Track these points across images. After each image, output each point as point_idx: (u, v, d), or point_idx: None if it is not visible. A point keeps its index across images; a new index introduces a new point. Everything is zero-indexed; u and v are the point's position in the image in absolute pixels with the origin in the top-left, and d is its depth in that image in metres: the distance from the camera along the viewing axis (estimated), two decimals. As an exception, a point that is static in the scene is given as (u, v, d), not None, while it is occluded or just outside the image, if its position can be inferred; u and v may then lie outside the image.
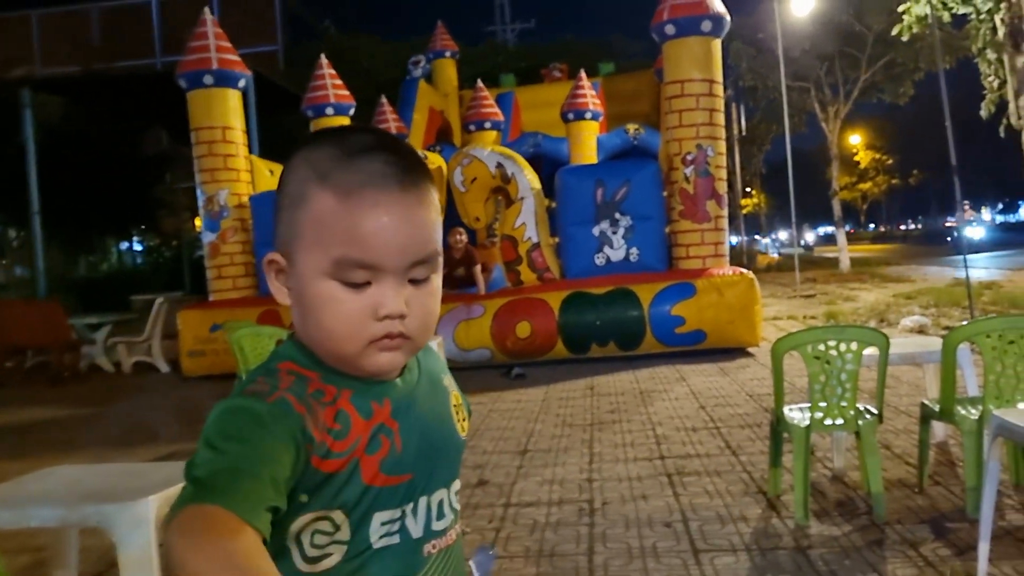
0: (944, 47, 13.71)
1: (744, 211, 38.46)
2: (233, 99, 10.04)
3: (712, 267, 8.75)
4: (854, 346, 3.50)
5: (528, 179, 9.13)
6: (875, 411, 3.61)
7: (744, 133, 28.84)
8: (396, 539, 0.93)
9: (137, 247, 23.42)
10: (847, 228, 24.30)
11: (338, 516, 0.89)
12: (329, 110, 12.09)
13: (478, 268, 9.36)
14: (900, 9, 12.70)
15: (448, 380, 1.08)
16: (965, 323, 3.66)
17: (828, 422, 3.58)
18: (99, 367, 10.40)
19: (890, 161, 54.08)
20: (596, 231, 8.93)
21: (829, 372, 3.53)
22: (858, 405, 3.59)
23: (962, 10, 11.74)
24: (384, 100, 13.84)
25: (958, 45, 15.87)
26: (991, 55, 11.96)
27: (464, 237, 9.62)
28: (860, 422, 3.54)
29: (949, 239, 27.94)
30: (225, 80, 9.87)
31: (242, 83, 10.15)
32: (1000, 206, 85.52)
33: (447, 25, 17.55)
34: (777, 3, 16.90)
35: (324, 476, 0.87)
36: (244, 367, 5.07)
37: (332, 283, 0.90)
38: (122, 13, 21.41)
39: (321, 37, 22.79)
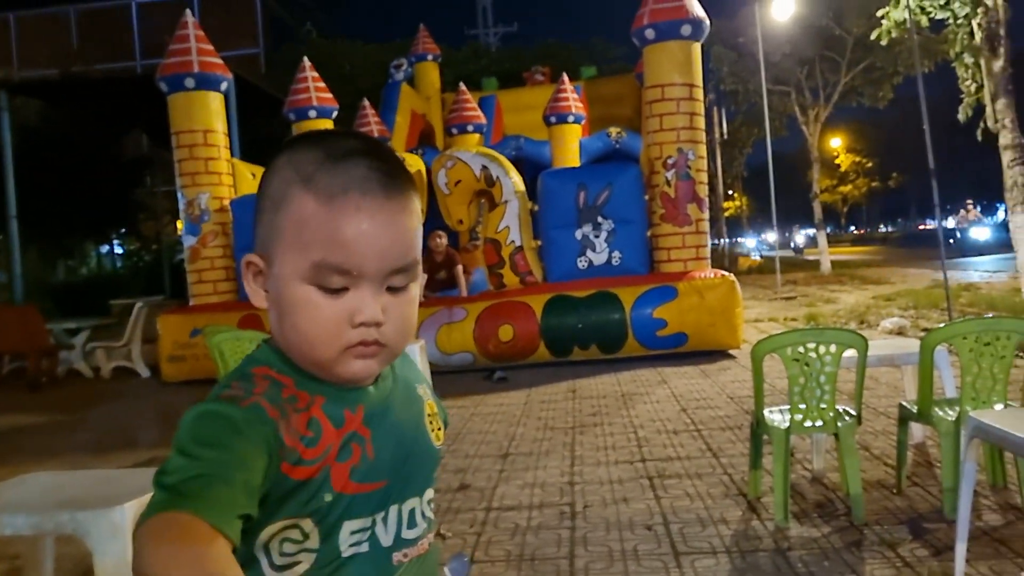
0: (922, 51, 13.85)
1: (726, 214, 38.63)
2: (215, 102, 9.98)
3: (693, 270, 8.79)
4: (833, 348, 3.52)
5: (513, 182, 9.13)
6: (854, 413, 3.63)
7: (726, 136, 28.96)
8: (365, 547, 0.92)
9: (117, 251, 23.24)
10: (826, 230, 24.42)
11: (307, 524, 0.88)
12: (312, 113, 12.05)
13: (459, 269, 9.35)
14: (879, 13, 12.79)
15: (423, 389, 1.08)
16: (942, 325, 3.68)
17: (807, 424, 3.60)
18: (78, 372, 10.30)
19: (870, 164, 54.57)
20: (578, 234, 8.95)
21: (808, 374, 3.54)
22: (837, 407, 3.61)
23: (940, 15, 11.84)
24: (366, 103, 13.81)
25: (936, 49, 16.03)
26: (968, 59, 12.07)
27: (445, 240, 9.61)
28: (839, 424, 3.56)
29: (952, 241, 28.02)
30: (207, 83, 9.81)
31: (224, 86, 10.09)
32: (978, 208, 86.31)
33: (429, 28, 17.55)
34: (758, 7, 17.00)
35: (295, 484, 0.86)
36: (224, 372, 5.03)
37: (310, 287, 0.89)
38: (101, 16, 21.25)
39: (303, 40, 22.71)
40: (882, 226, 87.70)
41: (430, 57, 17.34)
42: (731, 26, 21.79)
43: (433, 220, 10.13)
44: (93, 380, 10.13)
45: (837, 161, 51.81)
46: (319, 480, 0.88)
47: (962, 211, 27.52)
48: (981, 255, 11.70)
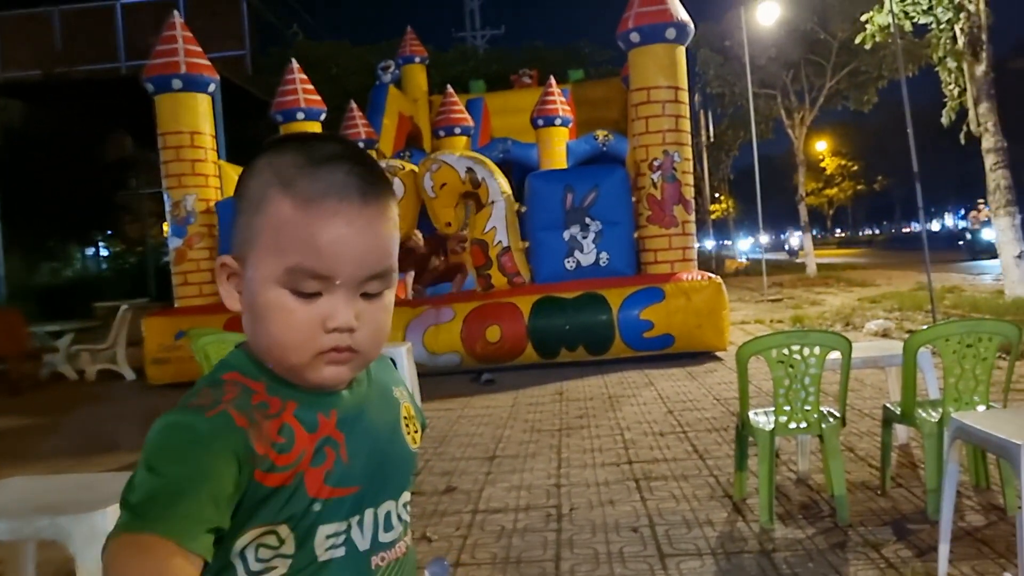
0: (906, 56, 13.93)
1: (713, 216, 38.76)
2: (202, 103, 9.94)
3: (680, 272, 8.81)
4: (817, 350, 3.53)
5: (498, 183, 9.13)
6: (838, 414, 3.65)
7: (712, 139, 29.08)
8: (342, 552, 0.92)
9: (102, 253, 23.08)
10: (812, 233, 24.57)
11: (283, 530, 0.88)
12: (300, 115, 12.02)
13: (464, 273, 9.39)
14: (863, 18, 12.89)
15: (400, 392, 1.07)
16: (925, 327, 3.71)
17: (792, 426, 3.61)
18: (62, 375, 10.22)
19: (855, 167, 54.92)
20: (566, 236, 8.96)
21: (793, 376, 3.56)
22: (822, 409, 3.62)
23: (923, 20, 11.93)
24: (354, 105, 13.80)
25: (920, 54, 16.14)
26: (951, 64, 12.16)
27: (419, 235, 9.56)
28: (823, 425, 3.57)
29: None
30: (194, 84, 9.77)
31: (211, 87, 10.05)
32: (962, 212, 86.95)
33: (417, 31, 17.55)
34: (743, 11, 17.08)
35: (269, 491, 0.86)
36: (208, 375, 5.00)
37: (283, 291, 0.88)
38: (85, 16, 21.09)
39: (290, 42, 22.64)
40: (867, 229, 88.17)
41: (417, 59, 17.34)
42: (717, 29, 21.88)
43: (422, 225, 10.12)
44: (77, 383, 10.06)
45: (823, 164, 52.14)
46: (293, 486, 0.87)
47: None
48: (995, 257, 11.45)
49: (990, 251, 17.15)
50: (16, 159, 15.73)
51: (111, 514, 2.26)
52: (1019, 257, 10.88)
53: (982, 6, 11.31)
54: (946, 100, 12.65)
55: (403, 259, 7.94)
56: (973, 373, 3.47)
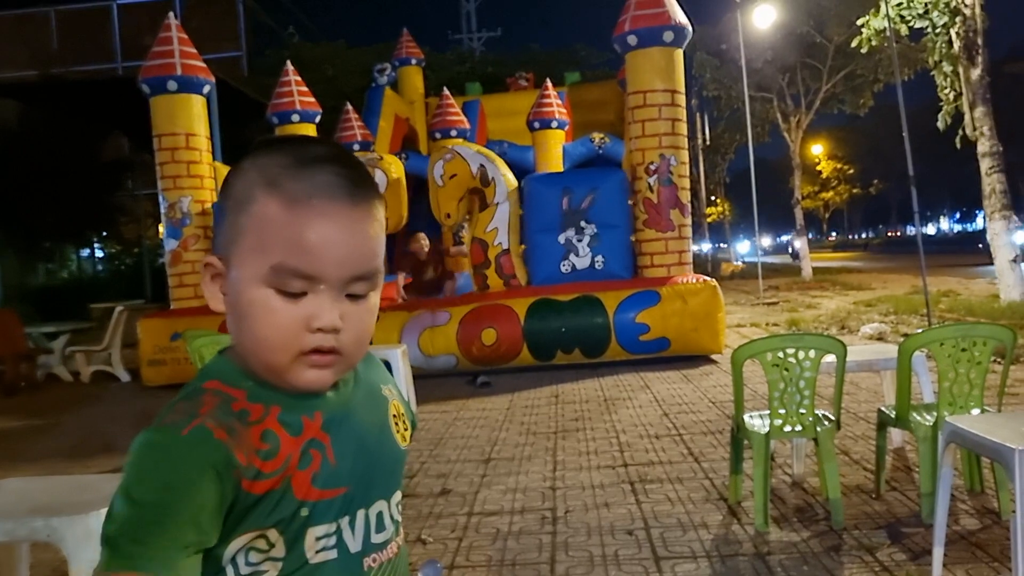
0: (902, 60, 13.99)
1: (709, 219, 38.83)
2: (197, 105, 9.93)
3: (676, 275, 8.82)
4: (812, 354, 3.54)
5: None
6: (833, 418, 3.65)
7: (708, 142, 29.13)
8: (333, 554, 0.92)
9: (98, 254, 23.05)
10: (808, 236, 24.55)
11: (272, 534, 0.88)
12: (295, 117, 12.02)
13: (454, 279, 9.39)
14: (859, 22, 12.92)
15: (389, 390, 1.07)
16: (920, 331, 3.71)
17: (787, 429, 3.62)
18: (57, 377, 10.20)
19: (851, 170, 55.01)
20: (562, 238, 8.96)
21: (788, 379, 3.56)
22: (817, 412, 3.63)
23: (919, 24, 11.96)
24: (349, 107, 13.78)
25: (916, 57, 16.20)
26: (947, 68, 12.19)
27: (426, 242, 9.58)
28: (818, 429, 3.58)
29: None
30: (189, 86, 9.75)
31: (207, 89, 10.04)
32: (958, 215, 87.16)
33: (413, 33, 17.54)
34: (740, 14, 17.12)
35: (257, 497, 0.86)
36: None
37: (268, 291, 0.88)
38: (81, 17, 21.05)
39: (285, 44, 22.64)
40: (863, 233, 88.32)
41: (414, 61, 17.32)
42: (714, 33, 21.94)
43: (413, 221, 10.12)
44: (72, 384, 10.04)
45: (819, 167, 52.21)
46: (281, 490, 0.87)
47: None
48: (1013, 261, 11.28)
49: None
50: (12, 160, 15.70)
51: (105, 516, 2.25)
52: (1014, 261, 10.91)
53: (978, 10, 11.35)
54: (942, 104, 12.67)
55: (402, 259, 7.91)
56: (968, 377, 3.48)
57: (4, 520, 2.30)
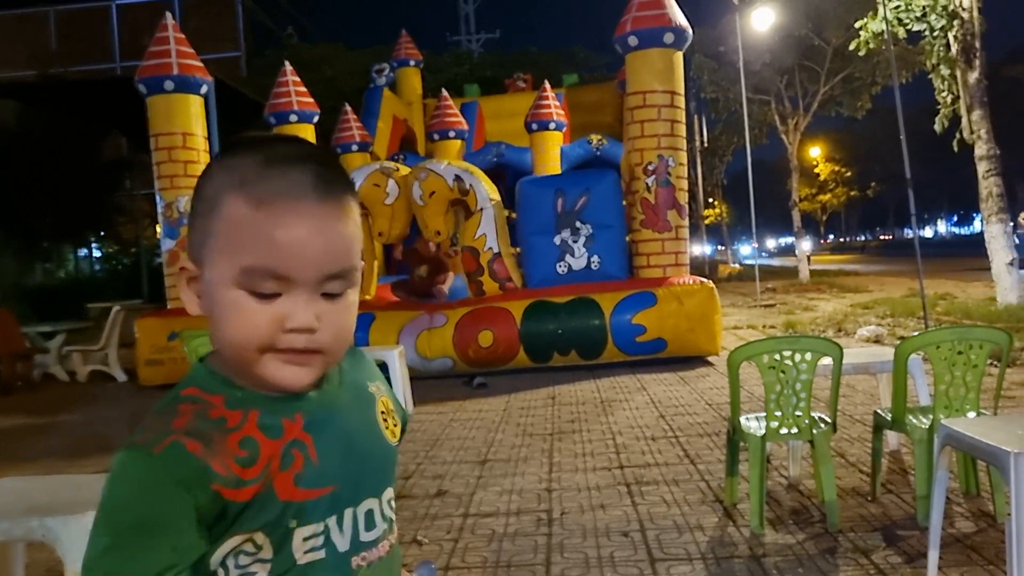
0: (900, 62, 14.00)
1: (707, 221, 38.84)
2: (195, 105, 9.92)
3: (673, 276, 8.82)
4: (808, 356, 3.54)
5: (486, 190, 9.10)
6: (829, 420, 3.66)
7: (706, 144, 29.16)
8: (322, 554, 0.91)
9: (95, 254, 23.03)
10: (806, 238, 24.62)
11: (259, 536, 0.88)
12: (292, 117, 12.02)
13: (444, 279, 9.38)
14: (857, 25, 12.94)
15: (377, 387, 1.06)
16: (916, 334, 3.72)
17: (783, 431, 3.62)
18: (53, 376, 10.19)
19: (849, 173, 55.05)
20: (557, 240, 8.96)
21: (784, 382, 3.57)
22: (813, 414, 3.63)
23: (917, 27, 11.98)
24: (348, 108, 13.79)
25: (914, 60, 16.20)
26: (944, 71, 12.20)
27: (433, 247, 9.60)
28: (814, 431, 3.58)
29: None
30: (186, 86, 9.74)
31: (204, 89, 10.03)
32: (955, 218, 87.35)
33: (412, 34, 17.55)
34: (738, 17, 17.14)
35: (244, 504, 0.86)
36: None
37: (240, 292, 0.87)
38: (80, 17, 21.05)
39: (284, 45, 22.63)
40: (860, 235, 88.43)
41: (412, 63, 17.34)
42: (712, 35, 21.97)
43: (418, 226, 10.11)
44: (69, 384, 10.03)
45: (816, 170, 52.25)
46: (264, 494, 0.87)
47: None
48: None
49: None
50: (9, 159, 15.69)
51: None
52: (1011, 264, 10.93)
53: (975, 14, 11.36)
54: (939, 107, 12.69)
55: (405, 254, 7.89)
56: (964, 380, 3.48)
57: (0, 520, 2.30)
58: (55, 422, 7.49)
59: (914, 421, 3.61)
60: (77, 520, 2.24)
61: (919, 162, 14.55)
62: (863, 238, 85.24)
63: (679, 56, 9.15)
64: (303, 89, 12.23)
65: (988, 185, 11.18)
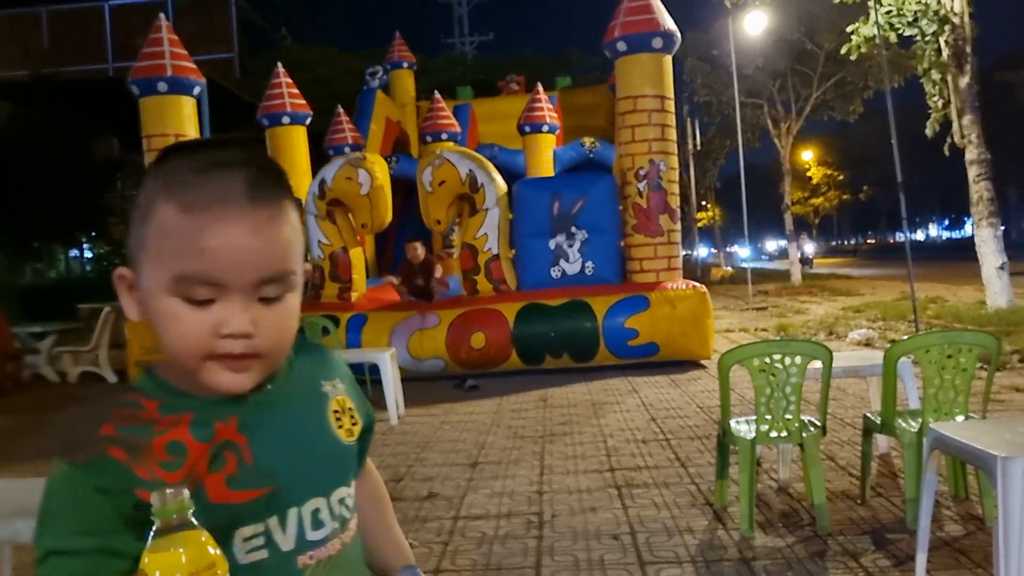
0: (891, 67, 14.05)
1: (699, 224, 38.91)
2: (187, 106, 9.89)
3: (665, 280, 8.84)
4: (798, 360, 3.55)
5: (496, 190, 9.08)
6: (819, 423, 3.67)
7: (699, 148, 29.20)
8: (264, 553, 0.91)
9: (87, 254, 22.96)
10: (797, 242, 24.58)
11: None
12: (285, 119, 12.00)
13: (436, 278, 9.37)
14: (849, 29, 12.98)
15: (333, 385, 1.05)
16: (906, 338, 3.73)
17: (773, 434, 3.63)
18: (43, 377, 10.14)
19: (841, 177, 55.18)
20: (552, 243, 8.96)
21: (775, 385, 3.58)
22: (803, 418, 3.64)
23: (908, 32, 12.03)
24: (341, 110, 13.77)
25: (905, 65, 16.26)
26: (936, 75, 12.25)
27: (421, 252, 9.58)
28: (804, 434, 3.59)
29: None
30: (179, 87, 9.72)
31: (197, 90, 10.00)
32: (946, 222, 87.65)
33: (405, 36, 17.54)
34: (731, 21, 17.18)
35: None
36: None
37: (174, 300, 0.87)
38: (73, 17, 20.99)
39: (277, 46, 22.60)
40: (852, 239, 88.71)
41: (405, 65, 17.33)
42: (705, 38, 22.00)
43: (404, 226, 10.10)
44: (59, 385, 9.98)
45: (809, 173, 52.35)
46: (192, 497, 0.87)
47: None
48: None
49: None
50: (1, 159, 15.62)
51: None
52: (1001, 268, 10.97)
53: (967, 19, 11.42)
54: (931, 111, 12.74)
55: (402, 271, 7.87)
56: (953, 384, 3.50)
57: (-14, 522, 2.29)
58: (44, 423, 7.46)
59: (903, 425, 3.62)
60: (65, 522, 2.23)
61: (911, 166, 14.63)
62: (855, 241, 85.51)
63: (668, 60, 9.17)
64: (296, 91, 12.21)
65: (979, 189, 11.23)
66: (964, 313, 10.98)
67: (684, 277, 9.19)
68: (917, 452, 3.44)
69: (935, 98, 12.54)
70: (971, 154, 11.33)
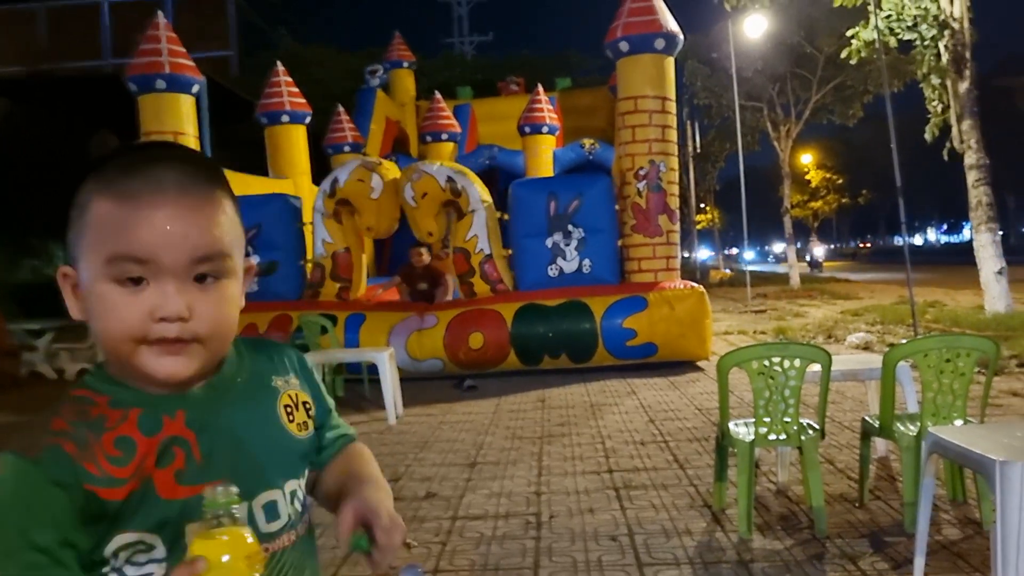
0: (891, 71, 14.06)
1: (699, 227, 38.93)
2: (186, 104, 9.88)
3: (664, 281, 8.84)
4: (797, 363, 3.55)
5: (478, 192, 9.10)
6: (817, 427, 3.66)
7: (699, 150, 29.21)
8: None
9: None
10: (796, 245, 24.57)
11: (148, 536, 0.89)
12: (284, 117, 12.00)
13: (443, 287, 9.35)
14: (849, 33, 12.99)
15: (284, 380, 1.07)
16: (904, 342, 3.73)
17: (772, 437, 3.62)
18: (41, 374, 10.12)
19: (840, 180, 55.24)
20: (549, 243, 8.96)
21: (773, 388, 3.57)
22: (801, 421, 3.64)
23: (908, 36, 12.04)
24: (340, 109, 13.77)
25: (905, 69, 16.27)
26: (935, 80, 12.26)
27: (426, 257, 9.58)
28: (803, 437, 3.59)
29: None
30: (177, 85, 9.71)
31: (195, 88, 9.99)
32: (945, 226, 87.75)
33: (405, 36, 17.55)
34: (731, 24, 17.19)
35: (118, 504, 0.87)
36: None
37: (108, 285, 0.89)
38: (70, 13, 20.94)
39: (275, 45, 22.59)
40: (852, 242, 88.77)
41: (405, 64, 17.35)
42: (705, 41, 22.00)
43: (405, 231, 10.08)
44: (56, 382, 9.96)
45: (808, 177, 52.41)
46: (141, 492, 0.88)
47: None
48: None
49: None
50: (-2, 156, 15.60)
51: None
52: (999, 273, 10.98)
53: (966, 24, 11.43)
54: (930, 116, 12.75)
55: (404, 274, 7.80)
56: (951, 388, 3.50)
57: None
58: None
59: (902, 428, 3.62)
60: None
61: (910, 170, 14.63)
62: (854, 244, 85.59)
63: (670, 61, 9.17)
64: (295, 89, 12.21)
65: (978, 194, 11.23)
66: (962, 317, 10.99)
67: (683, 278, 9.19)
68: (915, 456, 3.43)
69: (934, 103, 12.56)
70: (970, 159, 11.34)
